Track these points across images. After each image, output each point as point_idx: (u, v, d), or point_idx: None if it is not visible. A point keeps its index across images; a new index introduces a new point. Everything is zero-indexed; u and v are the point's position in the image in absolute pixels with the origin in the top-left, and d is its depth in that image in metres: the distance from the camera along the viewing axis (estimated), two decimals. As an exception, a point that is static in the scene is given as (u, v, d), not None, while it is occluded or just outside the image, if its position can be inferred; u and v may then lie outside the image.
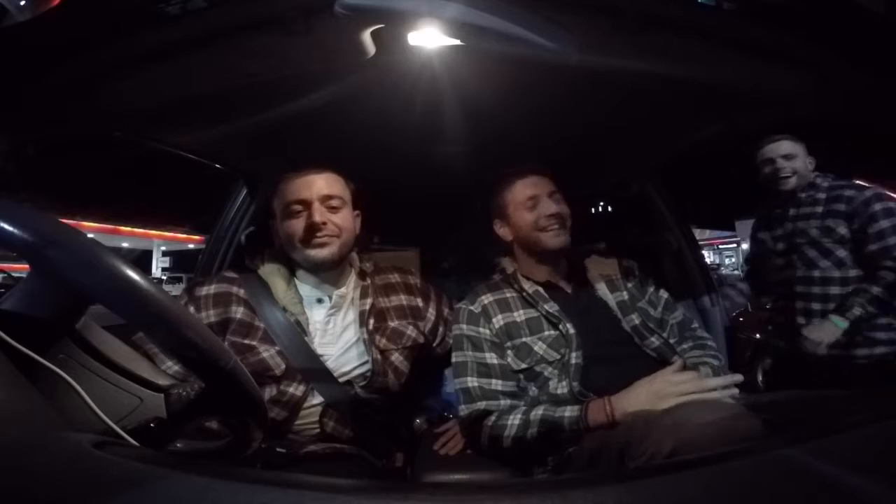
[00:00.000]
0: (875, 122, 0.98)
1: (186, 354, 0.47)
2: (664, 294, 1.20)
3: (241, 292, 1.03)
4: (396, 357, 1.09)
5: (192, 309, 1.00)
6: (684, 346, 1.11)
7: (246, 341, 0.98)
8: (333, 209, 1.05)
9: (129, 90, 0.89)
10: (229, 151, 1.40)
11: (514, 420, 0.94)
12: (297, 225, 1.03)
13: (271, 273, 1.07)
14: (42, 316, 0.44)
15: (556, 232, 1.09)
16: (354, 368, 1.03)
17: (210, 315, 1.00)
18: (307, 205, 1.03)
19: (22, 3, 0.60)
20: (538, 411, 0.93)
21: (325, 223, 1.02)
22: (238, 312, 1.00)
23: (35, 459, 0.32)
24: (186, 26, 0.74)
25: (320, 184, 1.05)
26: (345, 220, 1.07)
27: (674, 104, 1.11)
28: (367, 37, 0.78)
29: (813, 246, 1.52)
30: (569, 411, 0.91)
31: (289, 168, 1.10)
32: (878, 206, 1.44)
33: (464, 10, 0.70)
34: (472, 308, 1.11)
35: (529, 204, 1.11)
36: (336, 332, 1.05)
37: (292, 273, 1.09)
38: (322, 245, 1.03)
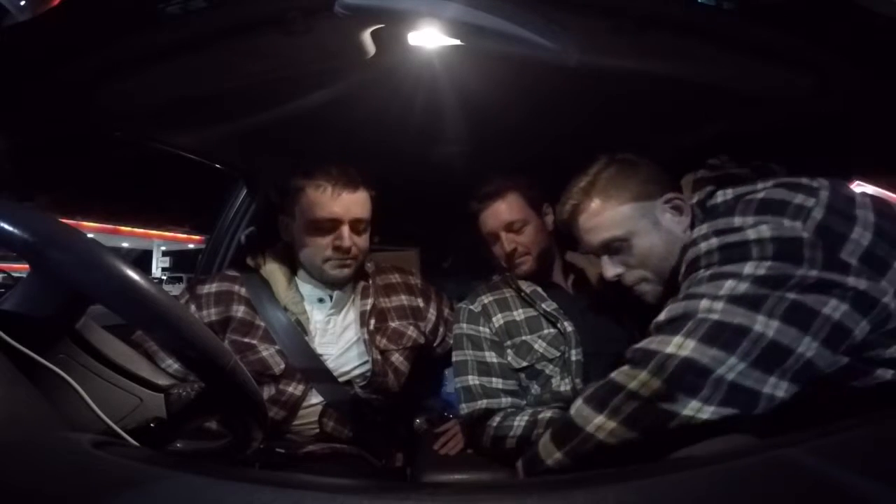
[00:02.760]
0: (875, 121, 0.98)
1: (186, 354, 0.47)
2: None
3: (243, 291, 1.03)
4: (397, 357, 1.09)
5: (193, 307, 1.00)
6: None
7: (246, 340, 0.98)
8: (359, 231, 1.04)
9: (129, 90, 0.89)
10: (229, 151, 1.40)
11: (521, 421, 0.94)
12: (323, 242, 1.01)
13: (273, 272, 1.07)
14: (42, 316, 0.44)
15: (520, 263, 1.09)
16: (354, 368, 1.03)
17: (211, 313, 1.00)
18: (337, 225, 1.01)
19: (22, 3, 0.60)
20: (546, 413, 0.93)
21: (350, 247, 1.01)
22: (239, 311, 1.01)
23: (35, 459, 0.32)
24: (186, 26, 0.74)
25: (354, 205, 1.02)
26: (366, 243, 1.06)
27: (674, 104, 1.11)
28: (367, 37, 0.78)
29: None
30: None
31: (291, 168, 1.10)
32: None
33: (464, 10, 0.70)
34: (472, 307, 1.11)
35: (491, 240, 1.11)
36: (336, 331, 1.05)
37: (294, 272, 1.09)
38: (342, 267, 1.03)
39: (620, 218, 0.79)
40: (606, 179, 0.81)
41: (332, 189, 1.00)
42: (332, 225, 1.01)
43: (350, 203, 1.01)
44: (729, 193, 0.72)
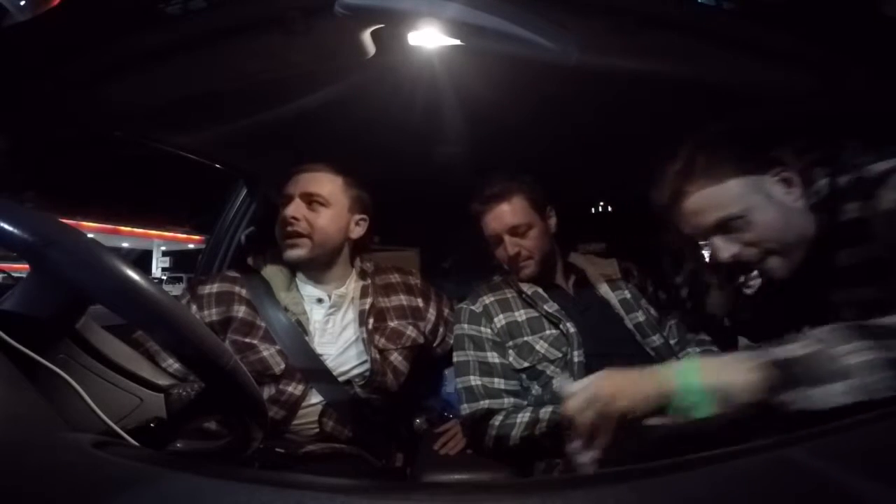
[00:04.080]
0: (875, 121, 0.98)
1: (186, 354, 0.47)
2: (663, 295, 1.20)
3: (244, 291, 1.04)
4: (396, 357, 1.09)
5: (194, 307, 1.01)
6: (689, 350, 1.10)
7: (247, 340, 0.98)
8: (313, 207, 1.05)
9: (129, 90, 0.89)
10: (229, 151, 1.40)
11: (524, 418, 0.94)
12: (279, 218, 1.05)
13: (273, 273, 1.07)
14: (42, 316, 0.44)
15: (522, 267, 1.09)
16: (353, 368, 1.03)
17: (212, 314, 1.00)
18: (289, 201, 1.05)
19: (22, 3, 0.60)
20: (548, 409, 0.93)
21: (296, 219, 1.02)
22: (240, 311, 1.01)
23: (35, 459, 0.32)
24: (186, 26, 0.74)
25: (306, 180, 1.06)
26: (322, 221, 1.05)
27: (673, 104, 1.11)
28: (367, 37, 0.78)
29: None
30: None
31: (290, 167, 1.10)
32: None
33: (464, 10, 0.70)
34: (473, 308, 1.11)
35: (494, 241, 1.11)
36: (335, 331, 1.05)
37: (294, 273, 1.10)
38: (292, 245, 1.04)
39: (733, 194, 0.74)
40: (707, 158, 0.76)
41: (293, 171, 1.07)
42: (286, 202, 1.05)
43: (303, 179, 1.06)
44: (847, 159, 0.72)
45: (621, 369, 0.62)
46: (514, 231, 1.08)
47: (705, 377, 0.57)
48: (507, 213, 1.08)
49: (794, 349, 0.56)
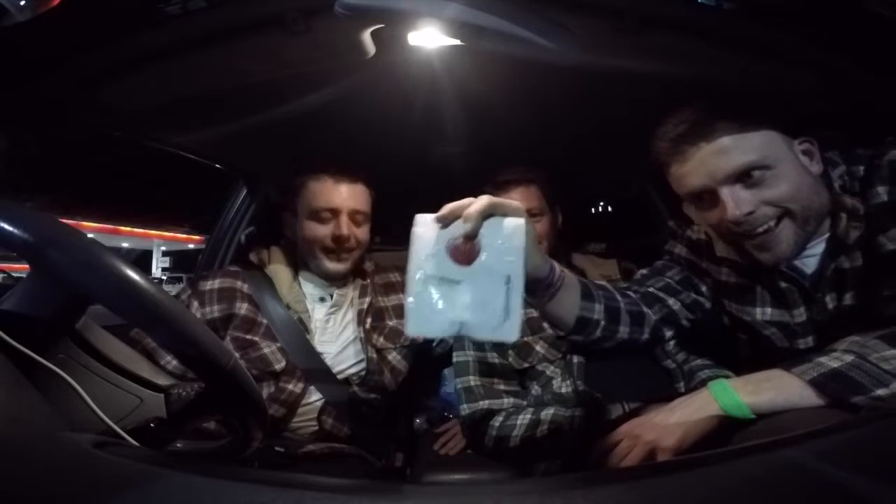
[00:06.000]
0: (876, 121, 0.98)
1: (186, 354, 0.47)
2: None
3: (246, 287, 1.04)
4: (394, 356, 1.09)
5: (196, 303, 1.01)
6: (689, 358, 1.09)
7: (248, 336, 0.98)
8: (359, 224, 1.06)
9: (129, 90, 0.89)
10: (229, 151, 1.40)
11: (524, 420, 0.94)
12: (323, 231, 1.03)
13: (277, 271, 1.07)
14: (42, 316, 0.44)
15: None
16: (351, 367, 1.03)
17: (214, 310, 1.00)
18: (336, 214, 1.03)
19: (22, 2, 0.60)
20: (549, 410, 0.93)
21: (349, 237, 1.03)
22: (242, 308, 1.01)
23: (35, 459, 0.32)
24: (186, 26, 0.74)
25: (352, 196, 1.05)
26: (364, 235, 1.08)
27: (674, 104, 1.11)
28: (367, 37, 0.78)
29: None
30: (579, 411, 0.91)
31: (291, 167, 1.10)
32: None
33: (464, 10, 0.70)
34: (472, 308, 1.11)
35: None
36: (336, 330, 1.06)
37: (297, 271, 1.10)
38: (341, 260, 1.04)
39: (763, 141, 0.66)
40: (734, 104, 0.69)
41: (332, 180, 1.04)
42: (331, 214, 1.03)
43: (349, 194, 1.04)
44: (861, 153, 0.70)
45: (650, 414, 0.63)
46: (527, 213, 1.08)
47: (746, 395, 0.58)
48: (522, 196, 1.09)
49: (837, 357, 0.57)
